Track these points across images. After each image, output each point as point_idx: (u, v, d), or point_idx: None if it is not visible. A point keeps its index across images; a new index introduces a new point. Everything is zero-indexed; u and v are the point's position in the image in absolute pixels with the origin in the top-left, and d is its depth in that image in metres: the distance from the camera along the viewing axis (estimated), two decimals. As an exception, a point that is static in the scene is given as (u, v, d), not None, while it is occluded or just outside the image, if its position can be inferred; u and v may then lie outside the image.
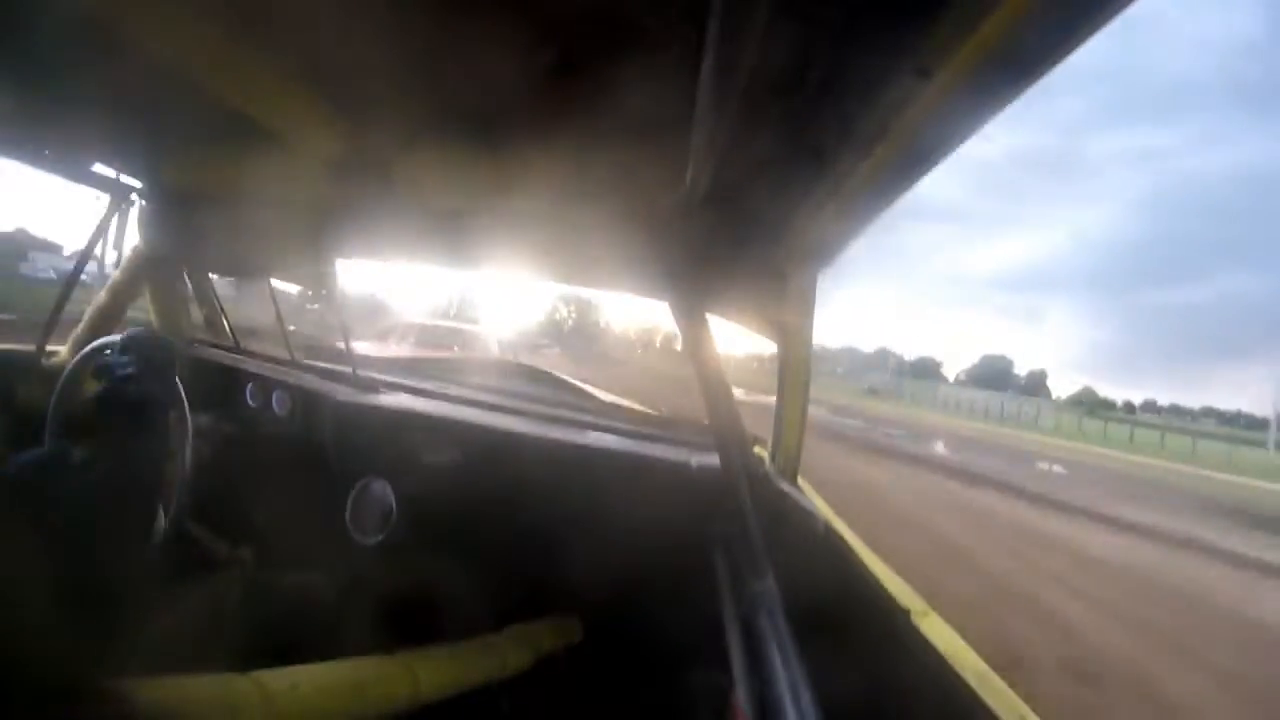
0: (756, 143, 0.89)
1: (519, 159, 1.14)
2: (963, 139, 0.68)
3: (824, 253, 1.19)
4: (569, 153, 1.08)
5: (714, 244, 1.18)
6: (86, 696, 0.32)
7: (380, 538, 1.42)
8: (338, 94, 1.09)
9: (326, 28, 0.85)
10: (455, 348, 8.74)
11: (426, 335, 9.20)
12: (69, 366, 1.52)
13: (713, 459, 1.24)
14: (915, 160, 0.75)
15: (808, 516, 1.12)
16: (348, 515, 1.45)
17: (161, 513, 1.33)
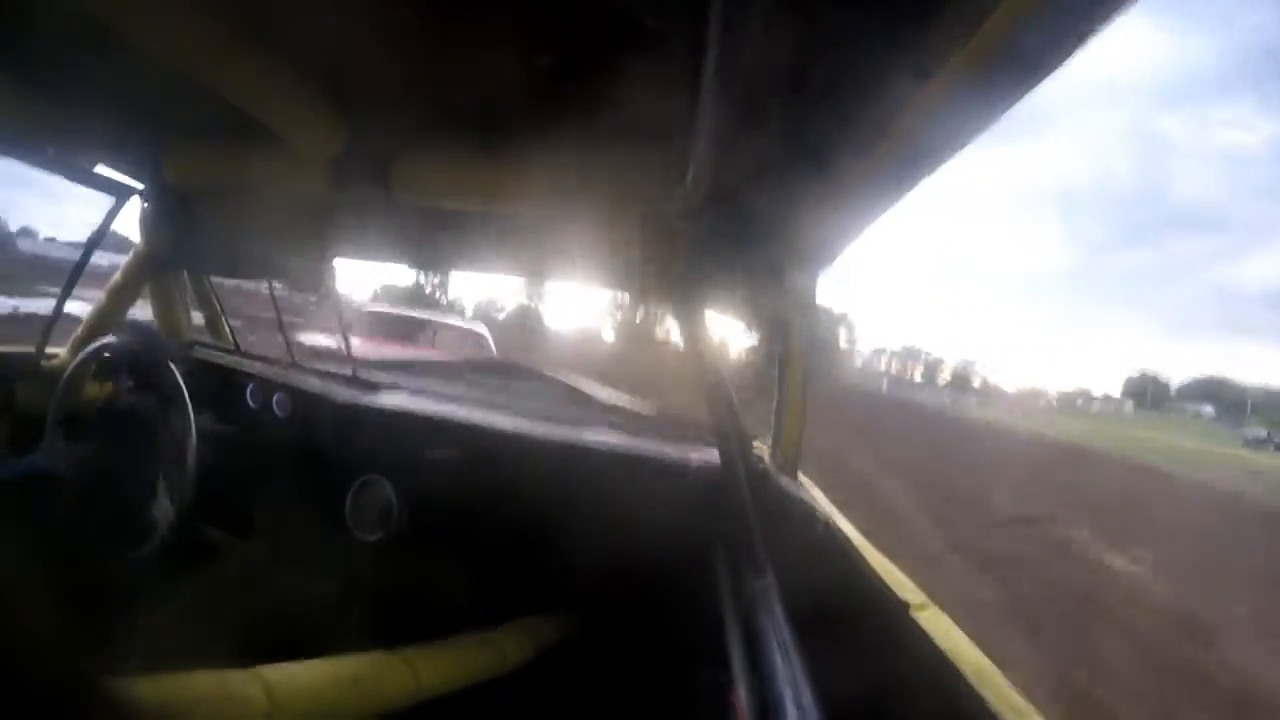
0: (756, 143, 0.89)
1: (519, 159, 1.14)
2: (963, 140, 0.68)
3: (824, 253, 1.20)
4: (569, 152, 1.08)
5: (714, 244, 1.19)
6: (88, 694, 0.32)
7: (381, 535, 1.42)
8: (338, 94, 1.09)
9: (327, 28, 0.85)
10: (423, 345, 6.00)
11: (381, 326, 6.32)
12: (69, 368, 1.53)
13: (712, 456, 1.24)
14: (915, 160, 0.76)
15: (808, 513, 1.12)
16: (348, 514, 1.45)
17: (167, 511, 1.33)
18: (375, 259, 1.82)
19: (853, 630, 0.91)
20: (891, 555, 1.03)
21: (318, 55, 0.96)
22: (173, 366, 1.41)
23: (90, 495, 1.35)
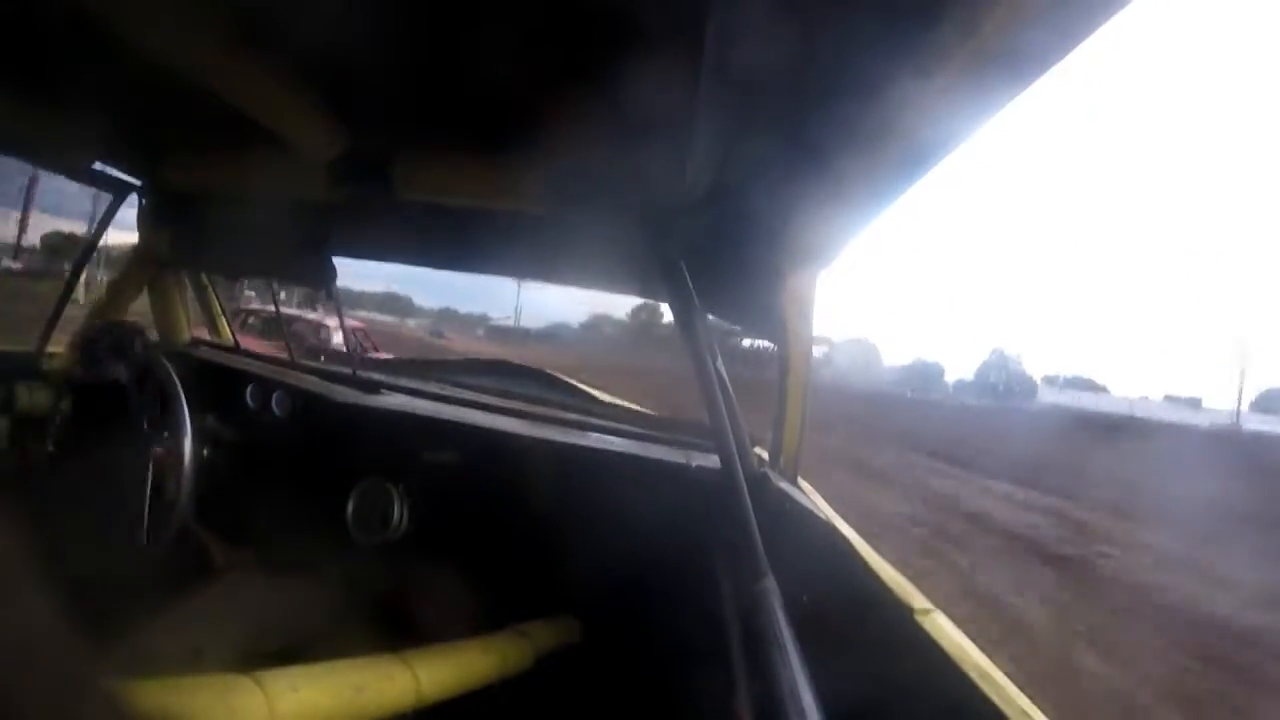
0: (756, 143, 0.89)
1: (518, 158, 1.14)
2: (962, 139, 0.68)
3: (824, 253, 1.19)
4: (569, 152, 1.08)
5: (714, 243, 1.18)
6: (86, 697, 0.32)
7: (381, 538, 1.42)
8: (337, 94, 1.09)
9: (326, 27, 0.85)
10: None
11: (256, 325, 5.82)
12: (67, 368, 1.53)
13: (712, 459, 1.24)
14: (915, 160, 0.76)
15: (809, 516, 1.12)
16: (348, 516, 1.45)
17: (165, 512, 1.33)
18: (376, 258, 1.82)
19: (854, 634, 0.91)
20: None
21: (318, 54, 0.95)
22: (169, 365, 1.41)
23: (87, 495, 1.35)
